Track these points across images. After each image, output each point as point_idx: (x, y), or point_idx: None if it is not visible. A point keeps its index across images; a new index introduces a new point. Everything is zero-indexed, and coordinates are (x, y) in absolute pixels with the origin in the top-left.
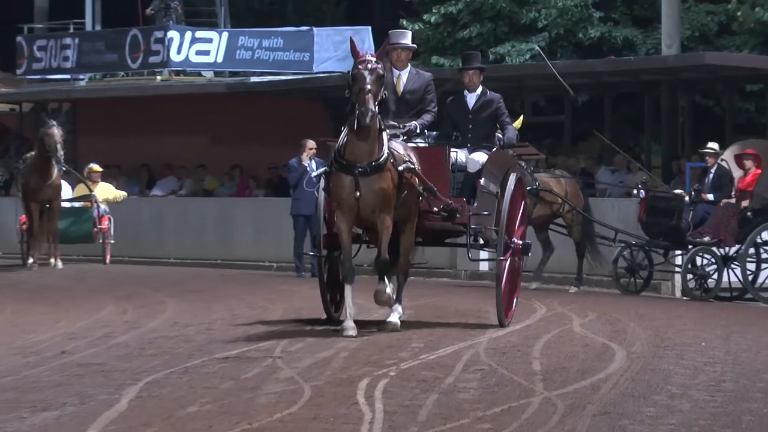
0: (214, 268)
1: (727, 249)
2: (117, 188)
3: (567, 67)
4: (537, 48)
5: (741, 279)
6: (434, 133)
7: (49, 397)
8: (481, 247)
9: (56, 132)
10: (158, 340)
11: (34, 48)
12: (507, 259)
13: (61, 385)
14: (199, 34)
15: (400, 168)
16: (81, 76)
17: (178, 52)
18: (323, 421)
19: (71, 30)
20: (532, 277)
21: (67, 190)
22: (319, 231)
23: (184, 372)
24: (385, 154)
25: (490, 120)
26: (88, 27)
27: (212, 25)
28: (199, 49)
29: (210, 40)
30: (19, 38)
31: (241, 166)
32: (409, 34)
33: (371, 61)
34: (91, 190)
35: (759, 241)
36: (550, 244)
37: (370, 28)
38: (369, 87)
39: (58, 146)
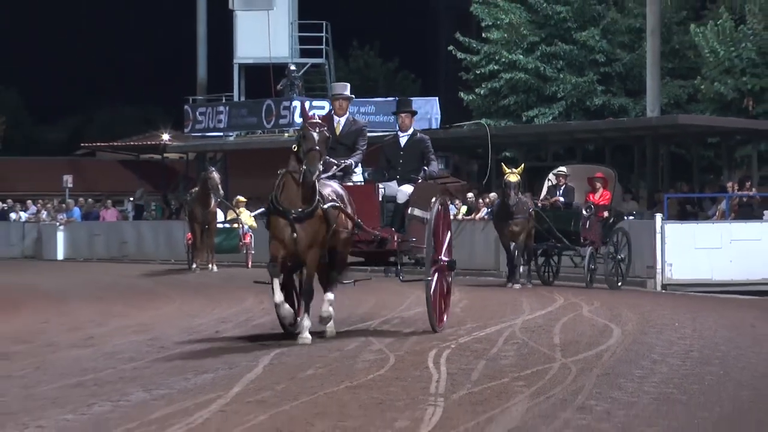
0: None
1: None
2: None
3: (579, 126)
4: (484, 122)
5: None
6: (369, 169)
7: (205, 364)
8: (415, 266)
9: (215, 176)
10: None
11: (197, 113)
12: (433, 278)
13: (215, 355)
14: (315, 102)
15: (326, 206)
16: (230, 134)
17: (300, 116)
18: (403, 380)
19: (223, 100)
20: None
21: (220, 215)
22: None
23: (303, 345)
24: (317, 201)
25: (418, 156)
26: (236, 98)
27: (324, 97)
28: (315, 113)
29: (322, 107)
30: (186, 107)
31: None
32: (349, 86)
33: (320, 124)
34: (237, 215)
35: (615, 240)
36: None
37: (437, 98)
38: (318, 148)
39: (218, 186)
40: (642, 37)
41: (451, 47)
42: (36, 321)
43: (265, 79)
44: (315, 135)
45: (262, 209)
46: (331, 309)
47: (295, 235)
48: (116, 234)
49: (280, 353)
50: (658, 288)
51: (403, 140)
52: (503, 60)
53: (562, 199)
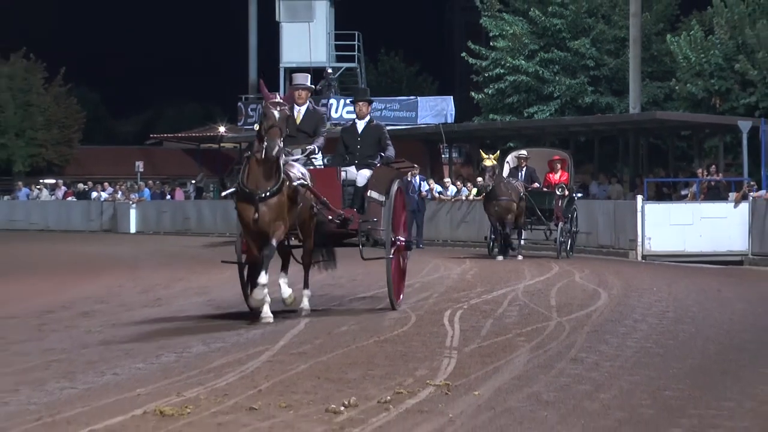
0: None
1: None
2: None
3: (572, 121)
4: (438, 123)
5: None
6: (329, 156)
7: (256, 321)
8: (373, 246)
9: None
10: (325, 287)
11: (248, 109)
12: (392, 256)
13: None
14: (349, 101)
15: (295, 183)
16: None
17: (336, 112)
18: (423, 335)
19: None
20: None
21: None
22: (238, 243)
23: (339, 305)
24: (281, 179)
25: (375, 142)
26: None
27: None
28: (348, 110)
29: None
30: (239, 103)
31: None
32: (309, 76)
33: (281, 102)
34: None
35: (571, 215)
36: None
37: (452, 97)
38: (278, 124)
39: None
40: (626, 45)
41: (464, 54)
42: (112, 285)
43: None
44: (276, 113)
45: (232, 189)
46: (289, 290)
47: (256, 215)
48: (180, 211)
49: (318, 312)
50: (639, 258)
51: (360, 127)
52: (508, 65)
53: (537, 184)
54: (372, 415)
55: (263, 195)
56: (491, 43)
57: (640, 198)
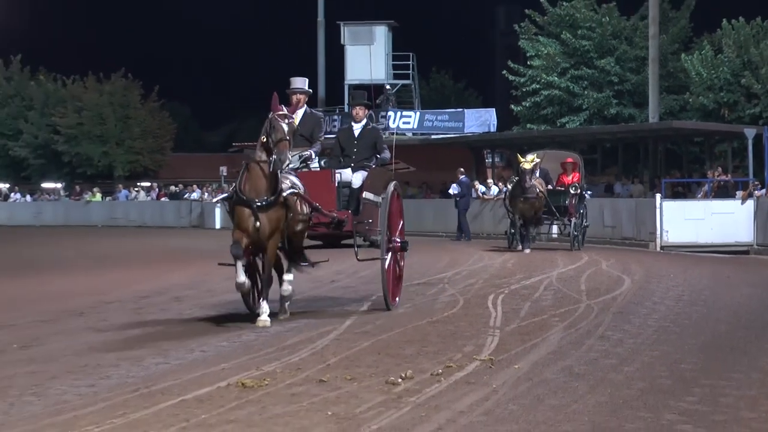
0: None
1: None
2: None
3: (599, 129)
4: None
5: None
6: (325, 158)
7: (324, 304)
8: (370, 247)
9: None
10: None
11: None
12: (387, 257)
13: (332, 298)
14: (405, 113)
15: (285, 194)
16: None
17: (394, 122)
18: (470, 317)
19: (337, 111)
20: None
21: None
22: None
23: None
24: (279, 189)
25: (371, 145)
26: (346, 109)
27: (411, 108)
28: (404, 121)
29: (410, 116)
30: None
31: (427, 183)
32: (307, 80)
33: (289, 116)
34: None
35: (582, 212)
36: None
37: (494, 109)
38: (288, 138)
39: None
40: (645, 63)
41: (504, 71)
42: (200, 273)
43: (368, 95)
44: (284, 126)
45: (225, 195)
46: (290, 288)
47: (258, 224)
48: None
49: (379, 297)
50: (658, 249)
51: (357, 130)
52: (543, 81)
53: (550, 186)
54: (426, 386)
55: (261, 204)
56: (528, 62)
57: (658, 196)
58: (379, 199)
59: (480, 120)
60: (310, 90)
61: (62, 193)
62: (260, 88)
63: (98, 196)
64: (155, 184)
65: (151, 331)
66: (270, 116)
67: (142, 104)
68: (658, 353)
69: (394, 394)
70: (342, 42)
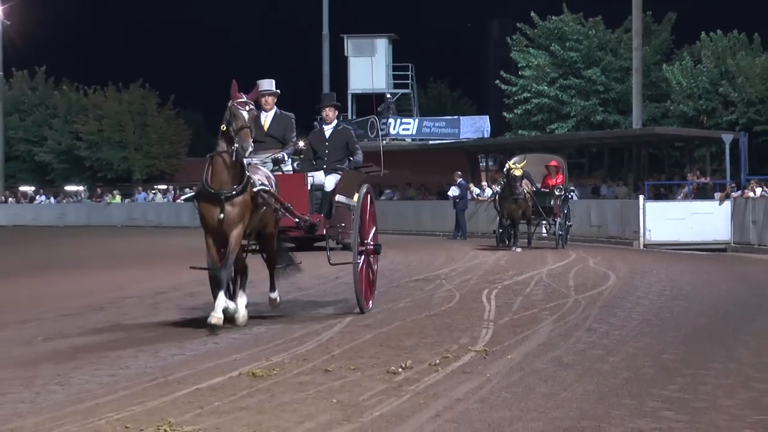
0: (411, 235)
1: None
2: None
3: (586, 135)
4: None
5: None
6: (297, 160)
7: (328, 299)
8: (343, 250)
9: None
10: (385, 271)
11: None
12: (360, 261)
13: (336, 293)
14: (404, 120)
15: (255, 189)
16: None
17: (394, 128)
18: (465, 310)
19: (341, 119)
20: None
21: None
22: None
23: (396, 286)
24: (246, 178)
25: (343, 147)
26: (350, 117)
27: (410, 115)
28: (404, 127)
29: (409, 123)
30: (315, 123)
31: (425, 185)
32: (274, 81)
33: (249, 103)
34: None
35: (566, 212)
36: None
37: (488, 116)
38: (250, 125)
39: None
40: (629, 73)
41: (497, 81)
42: None
43: (369, 103)
44: (245, 113)
45: (191, 193)
46: (244, 312)
47: (222, 215)
48: None
49: (380, 292)
50: (641, 247)
51: (328, 132)
52: (533, 90)
53: (534, 188)
54: (424, 375)
55: (228, 195)
56: (519, 73)
57: (641, 197)
58: (352, 202)
59: (474, 126)
60: (278, 91)
61: (84, 195)
62: None
63: (118, 198)
64: (171, 187)
65: (167, 324)
66: (230, 104)
67: (158, 112)
68: (641, 344)
69: (395, 383)
70: (345, 54)
